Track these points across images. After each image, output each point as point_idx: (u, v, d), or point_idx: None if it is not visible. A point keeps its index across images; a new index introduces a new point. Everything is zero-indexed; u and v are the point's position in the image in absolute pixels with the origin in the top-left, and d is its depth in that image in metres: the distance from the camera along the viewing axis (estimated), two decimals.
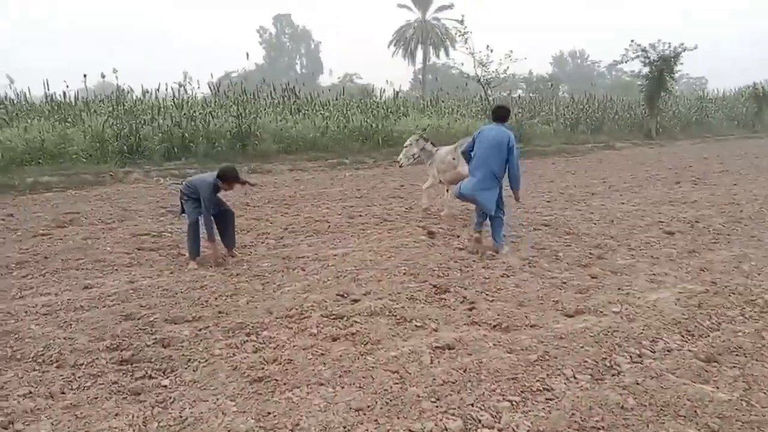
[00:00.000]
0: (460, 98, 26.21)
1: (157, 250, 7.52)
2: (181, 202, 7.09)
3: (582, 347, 4.51)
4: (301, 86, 22.83)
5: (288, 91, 21.11)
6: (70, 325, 4.96)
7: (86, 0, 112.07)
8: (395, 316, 5.10)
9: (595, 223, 8.99)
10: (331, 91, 25.39)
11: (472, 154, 7.33)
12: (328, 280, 6.16)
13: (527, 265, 6.75)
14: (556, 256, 7.14)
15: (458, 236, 8.11)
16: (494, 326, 4.90)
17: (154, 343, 4.58)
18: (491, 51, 21.19)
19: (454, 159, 9.15)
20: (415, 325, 4.89)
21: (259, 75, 24.96)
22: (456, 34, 21.91)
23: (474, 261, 6.86)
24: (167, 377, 4.04)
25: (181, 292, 5.83)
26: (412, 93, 38.36)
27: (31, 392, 3.78)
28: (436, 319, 5.01)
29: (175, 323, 5.03)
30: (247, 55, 40.75)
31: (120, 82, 18.03)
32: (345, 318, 5.06)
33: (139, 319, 5.09)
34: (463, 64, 24.02)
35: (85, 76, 17.69)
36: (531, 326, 4.93)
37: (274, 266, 6.72)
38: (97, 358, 4.27)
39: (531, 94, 28.92)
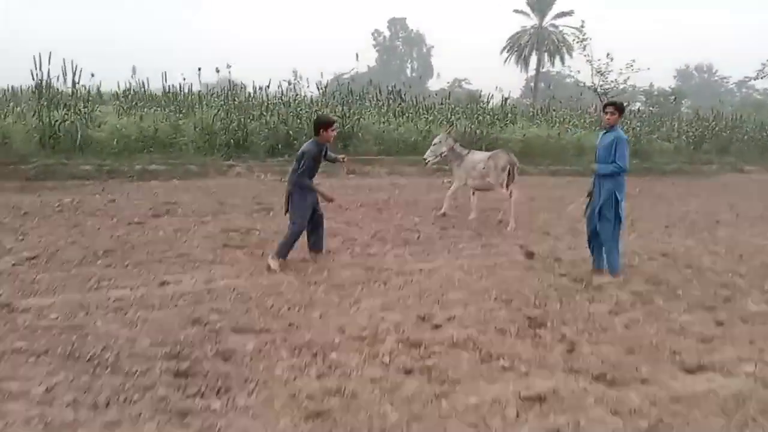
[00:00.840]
0: (573, 108, 24.72)
1: (242, 248, 7.30)
2: (288, 200, 6.68)
3: (706, 416, 3.65)
4: (409, 89, 22.43)
5: (393, 94, 20.76)
6: (136, 324, 4.73)
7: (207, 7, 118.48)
8: (480, 350, 4.44)
9: (721, 258, 7.80)
10: (438, 95, 24.83)
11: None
12: (410, 298, 5.60)
13: (639, 301, 5.83)
14: (674, 293, 6.15)
15: (560, 259, 7.27)
16: (597, 377, 4.12)
17: (214, 355, 4.23)
18: (611, 60, 19.79)
19: (484, 168, 9.09)
20: (503, 366, 4.21)
21: (369, 77, 24.79)
22: (574, 41, 20.64)
23: (578, 291, 6.04)
24: (220, 398, 3.64)
25: (255, 298, 5.50)
26: (523, 100, 37.00)
27: (76, 400, 3.50)
28: (528, 360, 4.31)
29: (242, 333, 4.67)
30: (357, 56, 40.68)
31: (233, 77, 18.45)
32: (423, 347, 4.47)
33: (206, 324, 4.79)
34: (579, 72, 22.58)
35: (199, 69, 18.27)
36: (642, 381, 4.10)
37: (355, 277, 6.26)
38: (153, 367, 3.96)
39: (651, 108, 26.76)
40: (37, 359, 4.04)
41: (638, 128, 21.25)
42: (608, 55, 19.89)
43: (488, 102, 21.29)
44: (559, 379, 4.04)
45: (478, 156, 9.48)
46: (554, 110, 23.59)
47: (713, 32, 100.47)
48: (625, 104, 6.78)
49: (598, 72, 20.11)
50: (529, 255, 7.38)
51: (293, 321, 4.92)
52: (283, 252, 6.58)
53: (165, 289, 5.61)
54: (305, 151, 6.51)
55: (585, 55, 19.93)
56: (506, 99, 22.14)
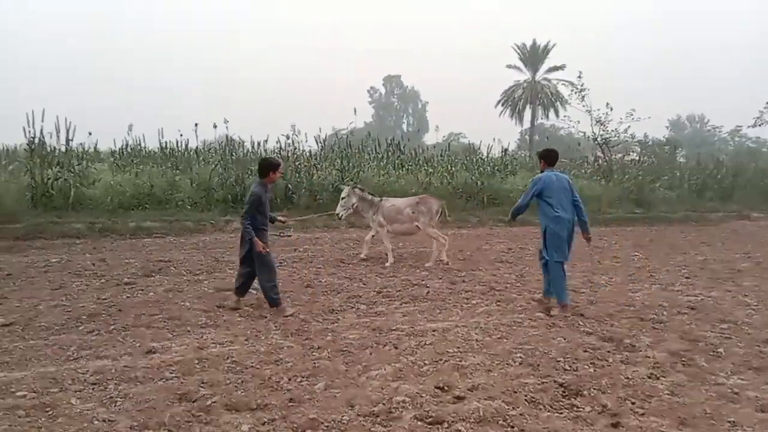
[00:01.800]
0: (572, 159, 24.51)
1: (238, 310, 6.69)
2: (242, 245, 6.66)
3: None
4: (406, 142, 22.23)
5: (393, 146, 20.51)
6: (116, 402, 4.10)
7: (202, 55, 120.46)
8: (512, 427, 3.81)
9: (754, 310, 7.20)
10: (435, 148, 24.64)
11: (548, 201, 6.80)
12: (425, 364, 4.97)
13: (679, 362, 5.22)
14: (714, 351, 5.55)
15: (583, 315, 6.67)
16: None
17: None
18: (611, 109, 19.62)
19: (414, 213, 9.60)
20: None
21: (366, 133, 24.66)
22: (572, 91, 20.53)
23: (609, 352, 5.43)
24: None
25: (252, 367, 4.88)
26: (519, 152, 36.95)
27: None
28: None
29: (236, 411, 4.03)
30: (355, 110, 40.85)
31: (231, 132, 18.20)
32: (445, 424, 3.84)
33: (195, 401, 4.15)
34: (579, 122, 22.38)
35: (196, 125, 18.02)
36: None
37: (363, 339, 5.65)
38: None
39: (646, 158, 26.60)
40: None
41: (640, 178, 20.92)
42: (608, 104, 19.70)
43: (488, 153, 21.00)
44: None
45: (401, 202, 10.03)
46: None
47: (703, 83, 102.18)
48: (550, 150, 7.29)
49: (598, 121, 19.88)
50: (548, 311, 6.79)
51: (295, 395, 4.29)
52: (274, 299, 6.59)
53: (151, 359, 4.98)
54: (252, 193, 6.53)
55: (584, 105, 19.74)
56: (505, 150, 21.90)
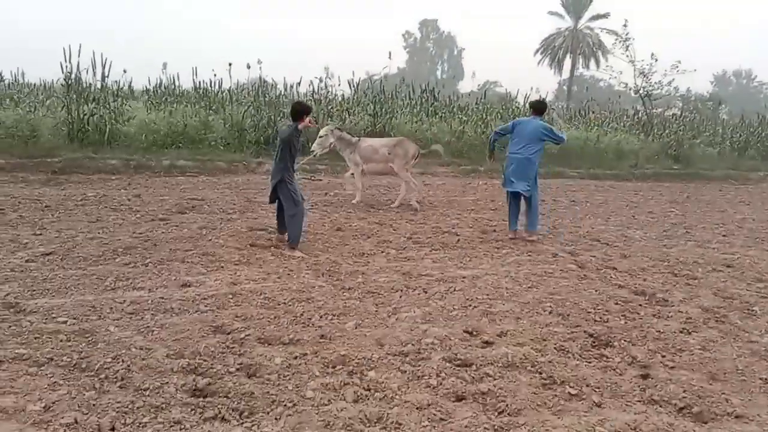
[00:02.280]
0: (612, 111, 23.77)
1: (270, 248, 6.79)
2: (274, 189, 7.01)
3: None
4: (441, 89, 21.78)
5: (426, 93, 20.13)
6: (152, 331, 4.23)
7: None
8: (541, 373, 3.83)
9: None
10: (470, 96, 24.14)
11: (512, 140, 7.94)
12: (454, 309, 5.01)
13: (712, 318, 5.16)
14: (749, 309, 5.46)
15: (615, 269, 6.60)
16: (682, 410, 3.49)
17: (238, 370, 3.70)
18: (656, 60, 18.88)
19: (389, 153, 9.82)
20: (569, 393, 3.60)
21: (400, 78, 24.21)
22: (616, 40, 19.77)
23: (641, 305, 5.38)
24: (242, 423, 3.11)
25: (284, 303, 4.98)
26: (557, 103, 36.06)
27: (76, 421, 3.00)
28: (598, 387, 3.69)
29: (269, 344, 4.14)
30: (390, 54, 40.23)
31: (264, 74, 18.04)
32: (474, 367, 3.88)
33: (229, 333, 4.27)
34: (621, 72, 21.62)
35: (230, 65, 17.88)
36: (735, 417, 3.46)
37: (392, 283, 5.69)
38: (167, 383, 3.44)
39: (688, 113, 25.66)
40: (39, 369, 3.55)
41: (681, 133, 20.29)
42: (652, 55, 18.97)
43: (524, 103, 20.46)
44: (638, 411, 3.42)
45: (378, 142, 10.31)
46: (592, 113, 22.73)
47: (751, 35, 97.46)
48: (539, 101, 8.63)
49: (641, 73, 19.18)
50: (581, 265, 6.73)
51: (326, 332, 4.37)
52: (296, 238, 6.87)
53: (186, 292, 5.11)
54: (282, 138, 6.92)
55: (627, 56, 19.04)
56: (543, 99, 21.31)
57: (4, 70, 14.99)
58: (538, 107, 8.22)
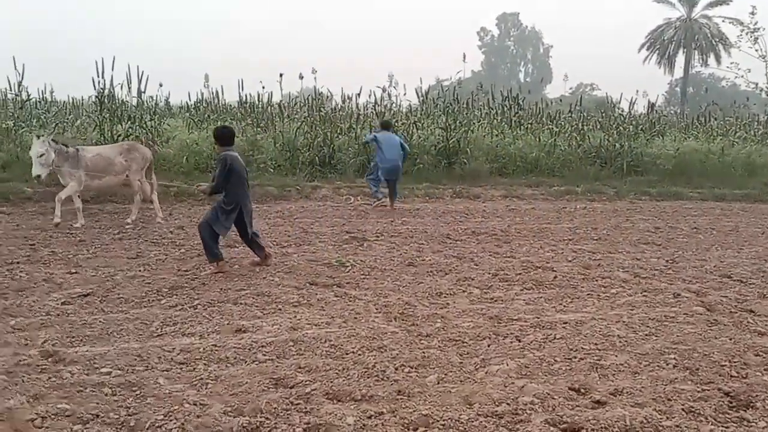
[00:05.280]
0: (739, 116, 23.05)
1: (333, 287, 6.97)
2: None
3: None
4: (525, 95, 21.79)
5: (509, 100, 20.17)
6: (207, 384, 4.42)
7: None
8: None
9: None
10: (562, 102, 24.00)
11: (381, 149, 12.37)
12: (556, 361, 4.98)
13: None
14: None
15: (753, 311, 6.39)
16: None
17: (305, 431, 3.80)
18: None
19: (126, 161, 10.00)
20: None
21: (476, 84, 24.38)
22: (742, 31, 19.29)
23: None
24: None
25: (353, 353, 5.09)
26: (668, 108, 35.37)
27: None
28: None
29: (339, 401, 4.24)
30: (464, 56, 40.42)
31: (319, 84, 18.55)
32: None
33: (292, 387, 4.40)
34: (749, 71, 20.97)
35: (281, 75, 18.48)
36: None
37: (478, 329, 5.72)
38: None
39: None
40: (85, 427, 3.78)
41: None
42: None
43: (630, 109, 20.19)
44: None
45: (106, 150, 10.32)
46: (714, 119, 22.14)
47: None
48: None
49: None
50: (709, 307, 6.56)
51: (403, 387, 4.44)
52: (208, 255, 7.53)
53: (242, 338, 5.31)
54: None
55: (756, 50, 18.54)
56: (652, 105, 20.97)
57: (30, 86, 15.97)
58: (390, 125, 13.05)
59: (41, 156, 9.20)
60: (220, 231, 7.49)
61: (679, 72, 52.69)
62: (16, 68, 14.51)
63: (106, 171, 9.87)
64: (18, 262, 7.66)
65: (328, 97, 19.02)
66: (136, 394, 4.23)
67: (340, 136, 16.48)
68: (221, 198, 7.67)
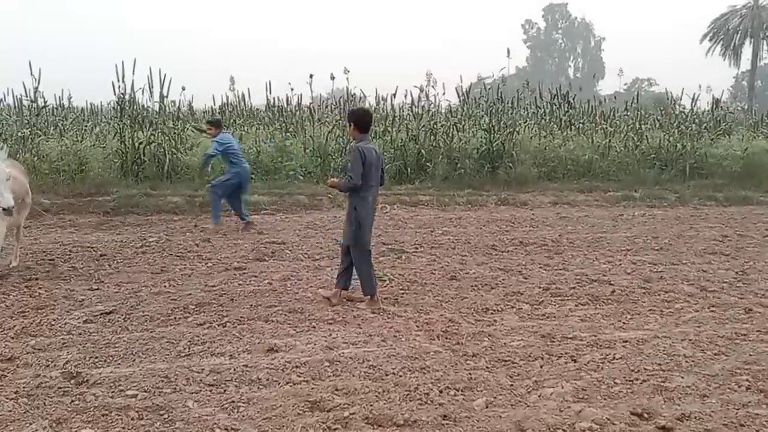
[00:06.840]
0: None
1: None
2: None
3: None
4: (576, 93, 21.68)
5: (558, 98, 20.08)
6: (238, 407, 4.49)
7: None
8: None
9: None
10: (617, 100, 23.80)
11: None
12: (616, 383, 4.95)
13: None
14: None
15: None
16: None
17: None
18: None
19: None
20: None
21: (521, 81, 24.36)
22: None
23: None
24: None
25: (393, 374, 5.12)
26: (735, 104, 34.84)
27: None
28: None
29: (379, 425, 4.27)
30: (508, 51, 40.29)
31: (351, 85, 18.71)
32: None
33: (329, 410, 4.44)
34: None
35: (311, 76, 18.70)
36: None
37: (529, 348, 5.71)
38: None
39: None
40: None
41: None
42: None
43: (692, 106, 19.93)
44: None
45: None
46: None
47: None
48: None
49: None
50: None
51: (449, 411, 4.46)
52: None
53: (274, 358, 5.38)
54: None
55: None
56: (717, 101, 20.68)
57: (46, 92, 16.27)
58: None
59: (8, 181, 7.40)
60: (367, 246, 7.14)
61: (746, 64, 51.94)
62: (32, 73, 14.86)
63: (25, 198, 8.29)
64: (37, 278, 7.86)
65: (361, 98, 19.19)
66: (164, 418, 4.32)
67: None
68: (350, 208, 7.10)
